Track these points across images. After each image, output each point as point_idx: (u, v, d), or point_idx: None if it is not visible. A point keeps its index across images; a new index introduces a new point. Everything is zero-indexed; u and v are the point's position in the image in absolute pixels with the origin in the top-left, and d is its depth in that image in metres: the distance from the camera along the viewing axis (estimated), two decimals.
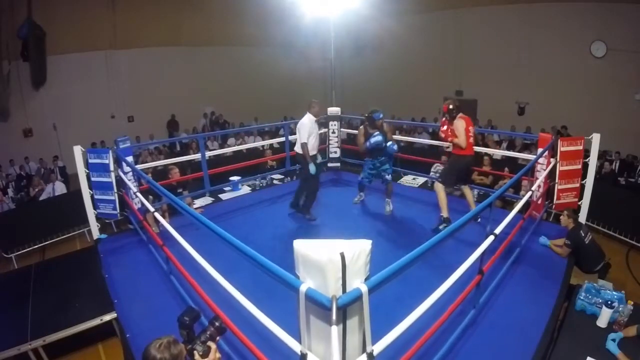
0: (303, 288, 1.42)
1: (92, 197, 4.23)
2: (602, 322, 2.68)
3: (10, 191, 7.71)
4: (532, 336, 2.53)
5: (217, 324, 1.59)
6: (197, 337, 1.54)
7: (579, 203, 4.22)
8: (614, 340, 2.45)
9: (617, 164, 7.44)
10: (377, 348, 1.56)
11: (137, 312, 3.00)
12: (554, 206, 4.34)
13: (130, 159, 4.22)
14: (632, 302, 2.76)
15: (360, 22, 10.26)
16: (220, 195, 5.46)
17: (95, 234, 4.28)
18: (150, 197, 4.29)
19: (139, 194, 3.81)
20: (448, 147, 4.89)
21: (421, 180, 5.76)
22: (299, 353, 1.55)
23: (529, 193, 3.65)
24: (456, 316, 2.55)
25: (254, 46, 12.51)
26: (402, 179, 5.88)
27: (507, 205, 5.13)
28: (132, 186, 4.06)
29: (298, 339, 1.58)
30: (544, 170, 4.10)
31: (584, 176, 4.18)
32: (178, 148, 10.28)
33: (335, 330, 1.29)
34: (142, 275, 3.53)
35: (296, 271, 1.58)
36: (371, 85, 12.56)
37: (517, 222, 3.34)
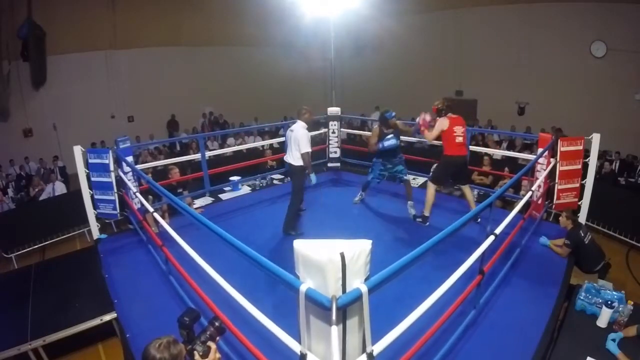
0: (303, 288, 1.42)
1: (92, 197, 4.23)
2: (602, 322, 2.68)
3: (10, 191, 7.70)
4: (532, 336, 2.53)
5: (216, 324, 1.60)
6: (197, 337, 1.54)
7: (579, 203, 4.22)
8: (614, 340, 2.45)
9: (617, 164, 7.44)
10: (377, 348, 1.56)
11: (137, 312, 3.01)
12: (554, 206, 4.34)
13: (130, 159, 4.21)
14: (632, 302, 2.76)
15: (360, 22, 10.25)
16: (220, 195, 5.46)
17: (95, 234, 4.28)
18: (150, 197, 4.30)
19: (138, 194, 3.82)
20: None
21: (421, 180, 5.76)
22: (299, 353, 1.54)
23: (529, 193, 3.65)
24: (456, 316, 2.55)
25: (254, 46, 12.50)
26: None
27: (507, 205, 5.13)
28: (132, 186, 4.06)
29: (298, 339, 1.58)
30: (544, 170, 4.10)
31: (584, 176, 4.18)
32: (178, 148, 10.28)
33: (335, 331, 1.29)
34: (142, 275, 3.54)
35: (296, 271, 1.58)
36: (371, 85, 12.56)
37: (517, 222, 3.35)
